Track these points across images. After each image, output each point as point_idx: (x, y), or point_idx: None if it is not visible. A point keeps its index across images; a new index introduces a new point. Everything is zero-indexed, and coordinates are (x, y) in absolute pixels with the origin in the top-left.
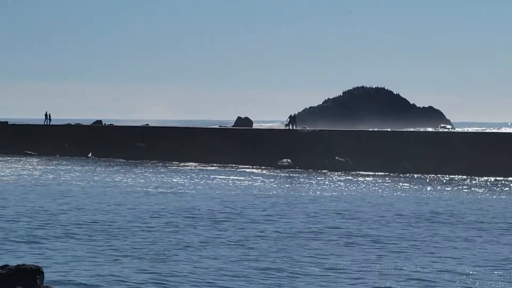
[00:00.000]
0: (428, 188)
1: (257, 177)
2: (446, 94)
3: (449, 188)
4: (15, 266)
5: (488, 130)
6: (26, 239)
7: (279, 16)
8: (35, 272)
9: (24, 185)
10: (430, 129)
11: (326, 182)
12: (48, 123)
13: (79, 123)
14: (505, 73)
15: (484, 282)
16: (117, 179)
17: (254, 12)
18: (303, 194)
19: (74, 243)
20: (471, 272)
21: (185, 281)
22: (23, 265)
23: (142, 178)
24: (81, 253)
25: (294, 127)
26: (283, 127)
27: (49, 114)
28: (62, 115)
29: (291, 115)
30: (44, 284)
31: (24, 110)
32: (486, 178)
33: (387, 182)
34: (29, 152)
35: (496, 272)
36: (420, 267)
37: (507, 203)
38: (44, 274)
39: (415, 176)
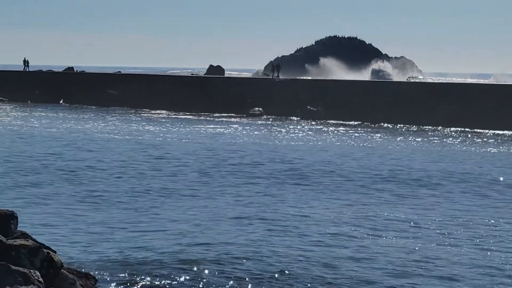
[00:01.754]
0: (398, 139)
1: (231, 126)
2: (419, 45)
3: (419, 139)
4: None
5: (458, 81)
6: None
7: None
8: (9, 217)
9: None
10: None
11: (296, 131)
12: (26, 69)
13: (50, 70)
14: (478, 26)
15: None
16: (87, 126)
17: None
18: (276, 142)
19: (45, 189)
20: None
21: (160, 230)
22: None
23: (113, 126)
24: (52, 198)
25: (277, 76)
26: (263, 76)
27: (28, 60)
28: (35, 62)
29: (273, 64)
30: (18, 229)
31: None
32: (455, 128)
33: (358, 132)
34: (0, 98)
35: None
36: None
37: (471, 155)
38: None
39: (385, 126)
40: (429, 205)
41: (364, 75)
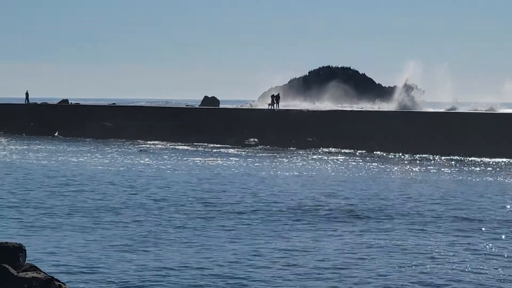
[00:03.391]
0: (395, 168)
1: (230, 157)
2: (413, 74)
3: (416, 168)
4: None
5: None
6: (3, 217)
7: None
8: (18, 250)
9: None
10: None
11: (296, 161)
12: (27, 102)
13: (45, 102)
14: (473, 54)
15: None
16: (85, 159)
17: None
18: (272, 173)
19: (51, 222)
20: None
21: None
22: (6, 243)
23: (108, 159)
24: (55, 230)
25: (277, 107)
26: (268, 107)
27: (27, 93)
28: (30, 94)
29: (273, 94)
30: (26, 262)
31: None
32: (451, 157)
33: (354, 161)
34: None
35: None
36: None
37: (458, 182)
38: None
39: (382, 155)
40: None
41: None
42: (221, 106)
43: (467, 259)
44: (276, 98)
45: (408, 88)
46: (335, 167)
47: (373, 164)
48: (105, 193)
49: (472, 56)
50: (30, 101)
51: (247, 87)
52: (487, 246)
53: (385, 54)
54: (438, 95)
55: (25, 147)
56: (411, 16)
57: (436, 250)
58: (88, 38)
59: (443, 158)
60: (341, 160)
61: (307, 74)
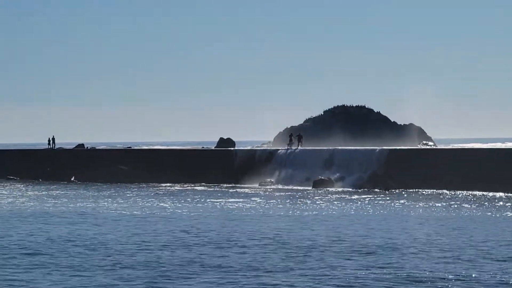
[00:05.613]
0: (418, 205)
1: (251, 198)
2: (427, 110)
3: (440, 204)
4: None
5: (469, 146)
6: (20, 265)
7: (260, 35)
8: None
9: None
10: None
11: (318, 202)
12: (53, 147)
13: (61, 147)
14: (486, 90)
15: None
16: (106, 204)
17: (234, 32)
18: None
19: (68, 267)
20: None
21: None
22: None
23: (129, 203)
24: (78, 279)
25: (300, 146)
26: (286, 147)
27: (52, 138)
28: (44, 139)
29: (291, 134)
30: None
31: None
32: (469, 192)
33: (370, 200)
34: (11, 177)
35: None
36: None
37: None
38: None
39: (398, 192)
40: None
41: None
42: (236, 147)
43: None
44: (299, 138)
45: (421, 129)
46: (359, 207)
47: (399, 201)
48: (127, 241)
49: (479, 90)
50: (46, 146)
51: (263, 127)
52: None
53: (394, 88)
54: (446, 130)
55: (43, 192)
56: (419, 48)
57: None
58: (102, 82)
59: (462, 193)
60: (362, 198)
61: (322, 113)
